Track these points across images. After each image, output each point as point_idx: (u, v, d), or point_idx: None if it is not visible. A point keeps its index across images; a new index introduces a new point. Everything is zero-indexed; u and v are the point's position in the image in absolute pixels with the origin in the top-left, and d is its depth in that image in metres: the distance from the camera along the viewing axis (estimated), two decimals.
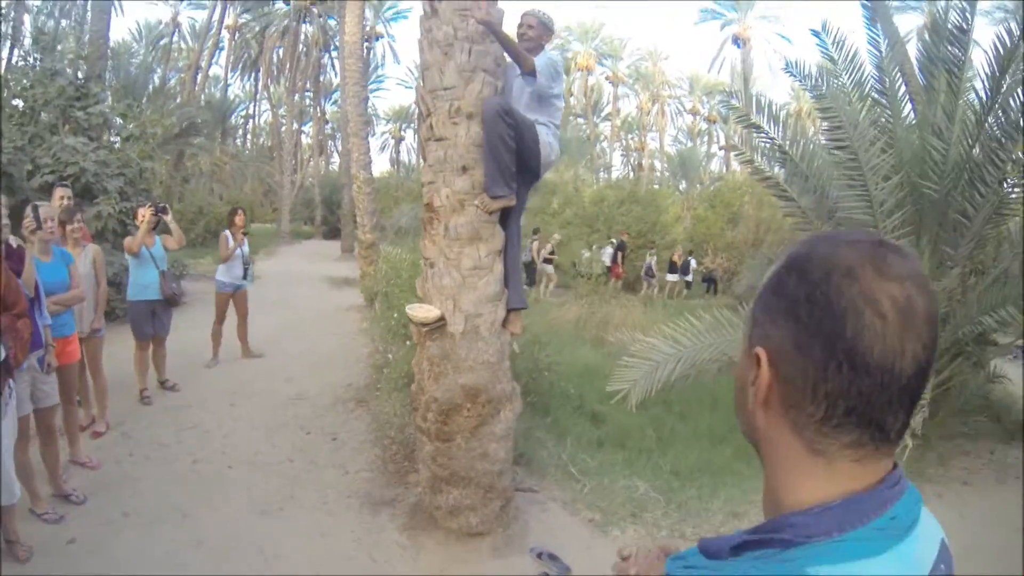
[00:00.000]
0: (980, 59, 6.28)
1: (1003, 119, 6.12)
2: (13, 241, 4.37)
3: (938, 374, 6.62)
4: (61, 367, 4.92)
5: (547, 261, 18.88)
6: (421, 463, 4.62)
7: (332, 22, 34.14)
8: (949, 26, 6.42)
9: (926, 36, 6.97)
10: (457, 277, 4.25)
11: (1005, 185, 6.43)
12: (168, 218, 7.22)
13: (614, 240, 21.17)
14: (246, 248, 8.99)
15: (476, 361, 4.23)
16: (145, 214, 6.94)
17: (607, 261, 20.22)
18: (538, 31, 4.46)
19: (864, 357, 0.70)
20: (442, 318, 4.23)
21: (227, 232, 8.74)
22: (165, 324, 7.27)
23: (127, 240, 7.10)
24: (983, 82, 6.18)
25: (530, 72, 4.21)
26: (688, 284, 21.40)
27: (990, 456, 6.63)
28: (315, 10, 35.65)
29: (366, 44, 38.61)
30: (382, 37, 44.76)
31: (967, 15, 6.22)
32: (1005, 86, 6.04)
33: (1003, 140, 6.11)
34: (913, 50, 7.45)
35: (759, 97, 7.68)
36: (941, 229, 6.64)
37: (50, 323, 4.63)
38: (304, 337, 9.57)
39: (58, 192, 6.37)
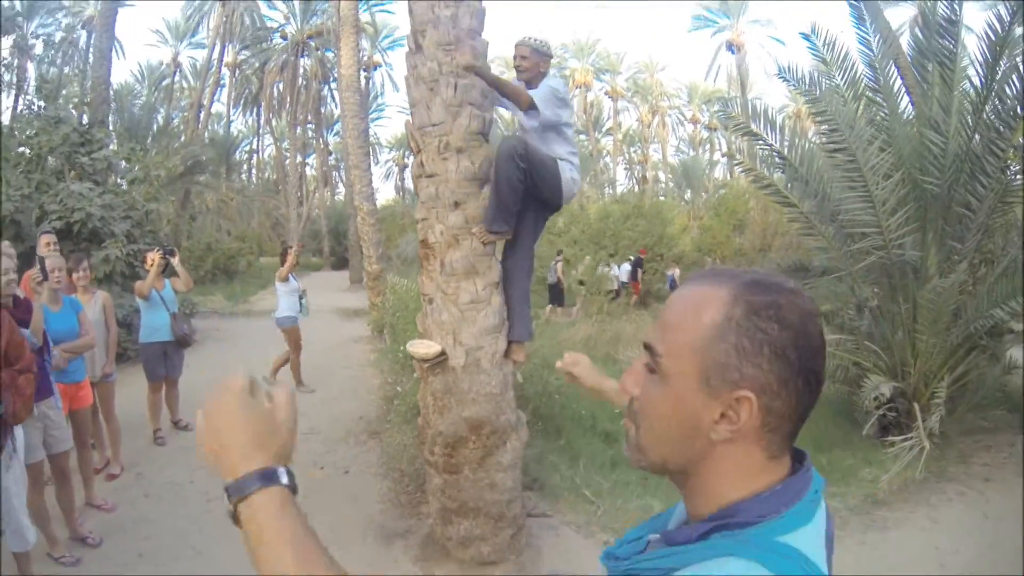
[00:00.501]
0: (973, 46, 6.27)
1: (1000, 107, 6.09)
2: (20, 292, 4.42)
3: (953, 370, 6.56)
4: (74, 411, 5.03)
5: (580, 283, 19.29)
6: (431, 495, 4.60)
7: (330, 54, 34.48)
8: (938, 19, 6.41)
9: (916, 30, 6.94)
10: (455, 312, 4.26)
11: (1008, 173, 6.38)
12: (176, 261, 7.31)
13: (631, 256, 21.37)
14: (300, 283, 9.39)
15: (479, 393, 4.22)
16: (154, 258, 7.06)
17: (624, 278, 20.42)
18: (533, 60, 4.26)
19: (820, 382, 0.86)
20: (443, 353, 4.23)
21: (288, 269, 9.15)
22: (177, 365, 7.35)
23: (138, 284, 7.17)
24: (977, 70, 6.16)
25: (530, 107, 4.05)
26: None
27: (1011, 449, 6.51)
28: (312, 43, 36.09)
29: (364, 74, 39.06)
30: (380, 66, 45.12)
31: (955, 6, 6.21)
32: (1000, 72, 6.03)
33: (1001, 129, 6.08)
34: (906, 43, 7.44)
35: (755, 105, 7.69)
36: (946, 223, 6.61)
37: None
38: (315, 370, 9.57)
39: (43, 239, 6.37)
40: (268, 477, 0.90)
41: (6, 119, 14.30)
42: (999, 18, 5.83)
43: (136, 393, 7.52)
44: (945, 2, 6.26)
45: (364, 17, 34.96)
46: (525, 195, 4.12)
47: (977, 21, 6.62)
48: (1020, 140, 6.23)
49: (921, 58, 6.75)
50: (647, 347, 0.91)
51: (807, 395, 0.85)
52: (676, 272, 21.30)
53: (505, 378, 4.39)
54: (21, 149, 11.32)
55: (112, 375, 6.15)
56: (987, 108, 6.12)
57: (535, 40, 4.31)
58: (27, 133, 11.59)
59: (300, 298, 9.25)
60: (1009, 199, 6.41)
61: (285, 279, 9.15)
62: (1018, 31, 5.90)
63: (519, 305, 4.48)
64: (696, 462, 0.89)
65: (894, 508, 5.51)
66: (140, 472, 6.26)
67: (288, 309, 9.16)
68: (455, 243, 4.26)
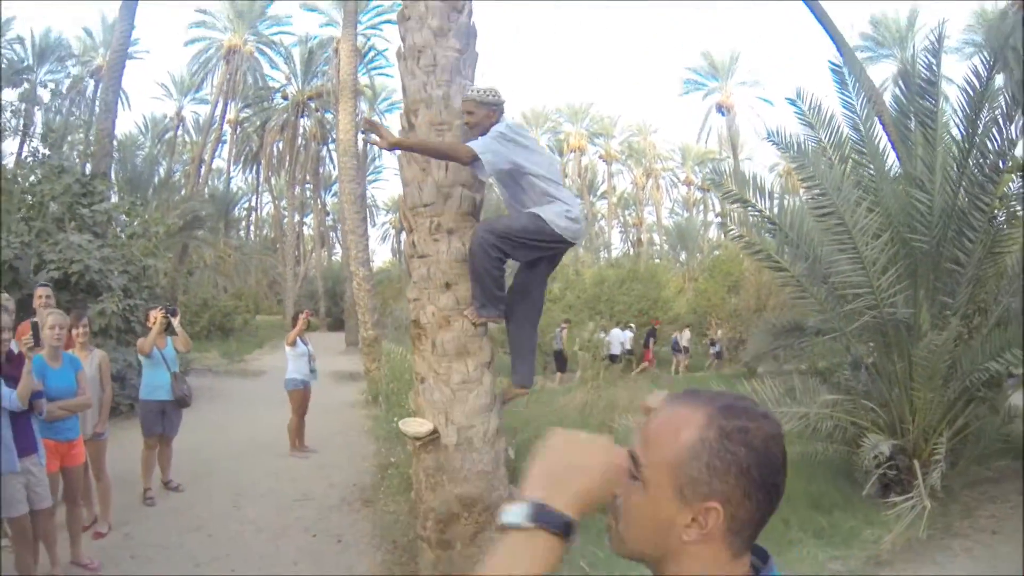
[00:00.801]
0: (954, 97, 6.42)
1: (982, 161, 6.23)
2: (15, 346, 4.43)
3: (952, 424, 6.55)
4: (66, 469, 5.04)
5: (580, 350, 18.90)
6: (424, 569, 4.54)
7: (329, 116, 35.10)
8: (918, 79, 6.59)
9: (898, 89, 7.13)
10: (447, 392, 4.28)
11: (995, 223, 6.49)
12: (176, 321, 7.35)
13: (632, 325, 21.58)
14: (311, 347, 9.45)
15: (471, 471, 4.22)
16: (156, 316, 7.11)
17: (628, 345, 20.46)
18: (480, 113, 4.06)
19: (779, 495, 1.00)
20: (435, 431, 4.24)
21: (296, 335, 9.25)
22: (174, 424, 7.34)
23: (140, 341, 7.25)
24: (958, 125, 6.32)
25: (471, 162, 3.87)
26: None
27: (1017, 498, 6.42)
28: (312, 104, 36.79)
29: (362, 135, 39.58)
30: None
31: (934, 68, 6.41)
32: (981, 126, 6.18)
33: (985, 184, 6.21)
34: (890, 99, 7.62)
35: (744, 172, 7.84)
36: (936, 279, 6.68)
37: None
38: (310, 435, 9.49)
39: (39, 292, 6.37)
40: (564, 527, 1.01)
41: (10, 164, 14.39)
42: (976, 73, 6.01)
43: (127, 450, 7.43)
44: (923, 64, 6.44)
45: (363, 80, 35.73)
46: (532, 253, 4.13)
47: (957, 72, 6.82)
48: (1007, 189, 6.34)
49: (903, 118, 6.93)
50: (631, 456, 1.04)
51: (767, 504, 0.99)
52: (685, 335, 21.43)
53: (497, 455, 4.39)
54: (24, 196, 11.41)
55: (104, 434, 6.10)
56: (970, 162, 6.26)
57: (478, 91, 4.12)
58: (30, 180, 11.73)
59: (310, 362, 9.34)
60: (997, 249, 6.52)
61: (292, 344, 9.24)
62: (997, 83, 6.05)
63: (528, 354, 4.49)
64: (669, 557, 1.02)
65: (899, 568, 5.42)
66: (128, 532, 6.12)
67: (294, 372, 9.23)
68: (446, 324, 4.29)
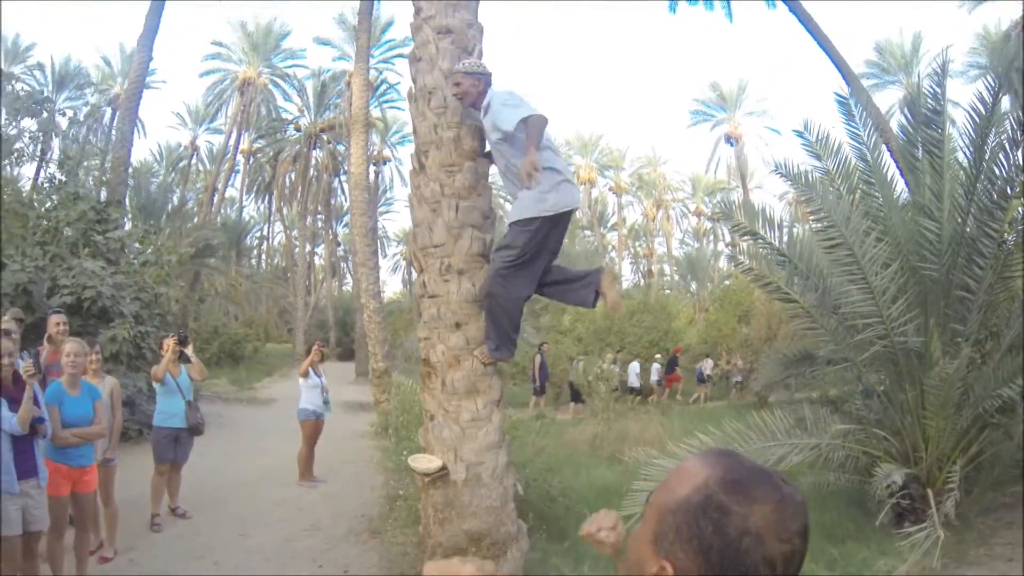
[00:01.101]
0: (962, 120, 6.41)
1: (990, 188, 6.23)
2: (22, 369, 4.50)
3: (966, 451, 6.48)
4: (78, 495, 5.13)
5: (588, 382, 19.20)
6: None
7: (341, 147, 35.45)
8: (923, 109, 6.63)
9: (903, 118, 7.15)
10: (456, 430, 4.33)
11: (1004, 248, 6.44)
12: (189, 350, 7.46)
13: (659, 356, 21.99)
14: (324, 379, 9.51)
15: (479, 507, 4.26)
16: (169, 344, 7.24)
17: (655, 376, 20.94)
18: (467, 83, 4.24)
19: None
20: (444, 468, 4.28)
21: (308, 366, 9.32)
22: (186, 452, 7.41)
23: (154, 368, 7.36)
24: (965, 151, 6.32)
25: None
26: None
27: None
28: (324, 136, 37.19)
29: (374, 168, 40.06)
30: (390, 161, 46.31)
31: (938, 96, 6.45)
32: (988, 151, 6.19)
33: (993, 210, 6.20)
34: (896, 125, 7.63)
35: (753, 204, 7.85)
36: (947, 307, 6.65)
37: None
38: (319, 465, 9.46)
39: (53, 319, 6.50)
40: None
41: (27, 189, 14.60)
42: (981, 99, 6.04)
43: (136, 475, 7.43)
44: (929, 93, 6.48)
45: (375, 112, 36.13)
46: (543, 257, 4.22)
47: (963, 95, 6.86)
48: (1016, 214, 6.32)
49: (910, 146, 6.94)
50: (650, 493, 1.06)
51: None
52: (708, 364, 21.45)
53: (506, 491, 4.43)
54: (39, 220, 11.56)
55: (114, 460, 6.17)
56: (978, 188, 6.26)
57: (465, 63, 4.30)
58: (46, 205, 11.89)
59: (323, 394, 9.39)
60: (1007, 274, 6.48)
61: (304, 375, 9.30)
62: (1003, 106, 6.06)
63: (513, 332, 4.43)
64: None
65: None
66: (133, 558, 6.10)
67: (307, 403, 9.28)
68: (456, 363, 4.36)
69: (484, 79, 4.26)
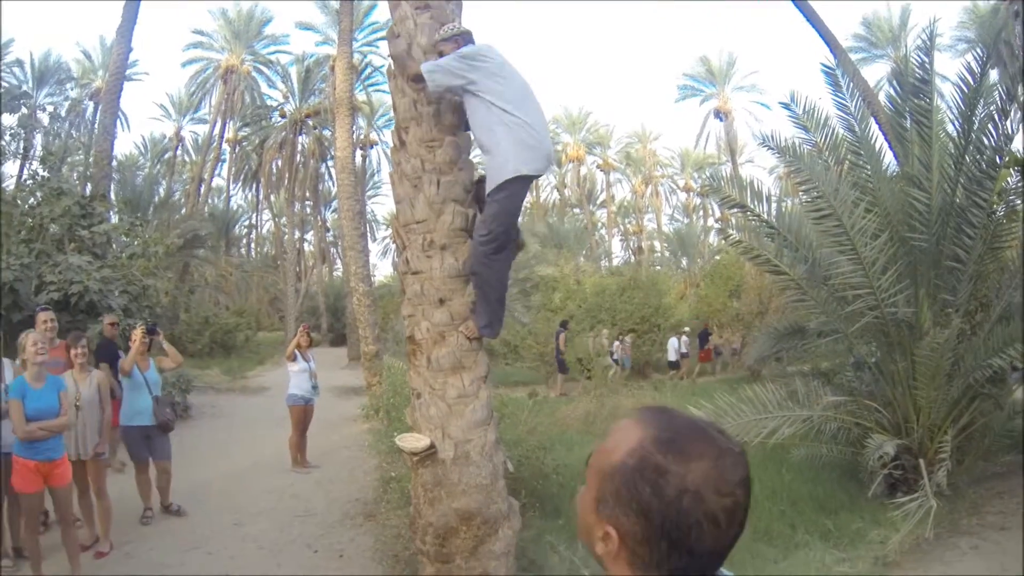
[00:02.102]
0: (950, 93, 6.41)
1: (979, 158, 6.24)
2: None
3: (957, 421, 6.52)
4: (53, 489, 5.08)
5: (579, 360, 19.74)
6: None
7: (327, 133, 35.18)
8: (911, 78, 6.59)
9: (891, 90, 7.11)
10: (443, 407, 4.28)
11: (994, 218, 6.46)
12: (161, 338, 7.19)
13: (687, 328, 22.48)
14: (313, 364, 9.35)
15: (469, 485, 4.21)
16: (137, 335, 6.85)
17: (684, 350, 21.31)
18: (447, 50, 4.18)
19: (699, 551, 0.93)
20: (432, 446, 4.24)
21: (294, 349, 9.21)
22: (164, 449, 7.05)
23: (120, 362, 7.00)
24: (954, 123, 6.32)
25: (416, 79, 4.11)
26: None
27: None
28: (310, 122, 36.90)
29: (361, 152, 39.85)
30: (377, 144, 46.00)
31: (927, 66, 6.41)
32: (976, 122, 6.19)
33: (982, 180, 6.20)
34: (884, 97, 7.61)
35: (741, 178, 7.82)
36: (937, 277, 6.66)
37: None
38: (312, 451, 9.44)
39: (41, 316, 6.43)
40: None
41: (10, 187, 14.48)
42: (970, 69, 6.02)
43: (130, 469, 7.40)
44: (916, 62, 6.44)
45: (360, 96, 35.85)
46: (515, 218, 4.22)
47: (951, 69, 6.83)
48: (1005, 184, 6.31)
49: (898, 117, 6.92)
50: (591, 453, 1.05)
51: (676, 559, 0.93)
52: (683, 340, 21.55)
53: (495, 468, 4.38)
54: (23, 218, 11.43)
55: (104, 454, 6.10)
56: (967, 159, 6.27)
57: (443, 30, 4.28)
58: (30, 202, 11.78)
59: (311, 378, 9.25)
60: (997, 244, 6.51)
61: (291, 358, 9.20)
62: (991, 78, 6.03)
63: (500, 309, 4.42)
64: (602, 562, 1.01)
65: (907, 569, 5.38)
66: (129, 551, 6.08)
67: (295, 388, 9.16)
68: (441, 339, 4.31)
69: (463, 38, 4.22)
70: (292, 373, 9.24)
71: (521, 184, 4.12)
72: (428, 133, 4.39)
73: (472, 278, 4.28)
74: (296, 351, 9.23)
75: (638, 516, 0.93)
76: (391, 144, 4.67)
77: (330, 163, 37.47)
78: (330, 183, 40.31)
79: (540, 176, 4.39)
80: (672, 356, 21.15)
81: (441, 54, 4.22)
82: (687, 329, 22.55)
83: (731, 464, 0.95)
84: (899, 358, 6.81)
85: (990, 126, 6.10)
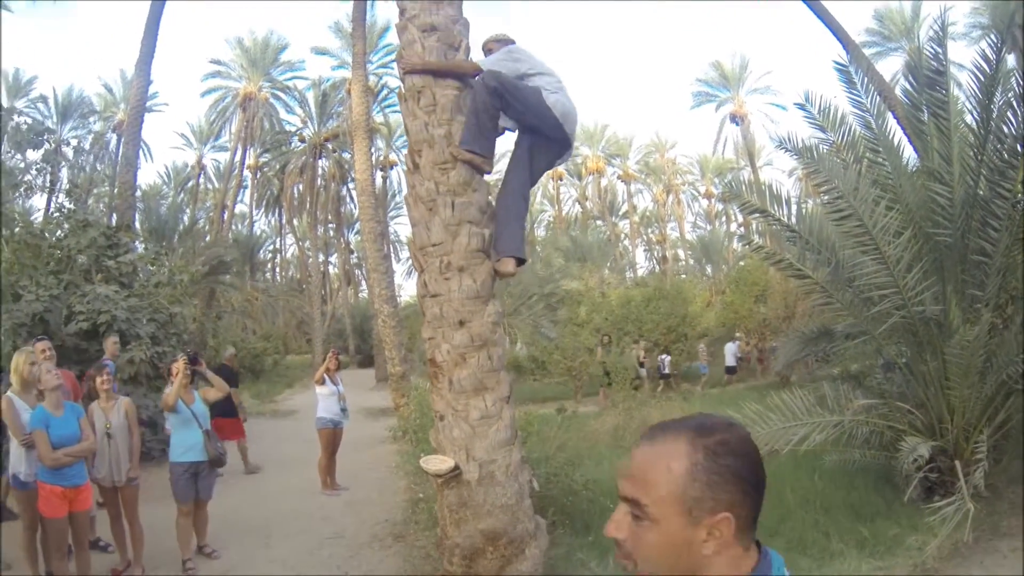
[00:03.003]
0: (967, 82, 6.29)
1: (1000, 147, 6.11)
2: None
3: (992, 420, 6.36)
4: (73, 514, 5.18)
5: (640, 365, 20.60)
6: None
7: (347, 155, 35.45)
8: (925, 70, 6.48)
9: (906, 83, 6.99)
10: (467, 428, 4.30)
11: (1019, 208, 6.31)
12: (203, 368, 6.87)
13: (740, 335, 22.90)
14: (341, 387, 9.44)
15: (494, 505, 4.22)
16: (179, 367, 6.43)
17: (739, 354, 21.91)
18: (495, 50, 4.67)
19: (764, 482, 1.13)
20: (456, 468, 4.25)
21: (323, 373, 9.33)
22: (209, 486, 6.69)
23: (164, 396, 6.58)
24: (972, 112, 6.19)
25: (476, 72, 4.42)
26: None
27: None
28: (329, 146, 37.24)
29: (381, 173, 40.13)
30: (397, 165, 46.27)
31: (940, 56, 6.30)
32: (996, 110, 6.06)
33: (1005, 170, 6.07)
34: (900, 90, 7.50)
35: (761, 183, 7.75)
36: (964, 272, 6.51)
37: None
38: (341, 472, 9.45)
39: (39, 346, 6.44)
40: None
41: (38, 220, 14.79)
42: (985, 57, 5.89)
43: (161, 494, 7.36)
44: (931, 54, 6.34)
45: (378, 118, 36.12)
46: (522, 116, 4.40)
47: (967, 57, 6.71)
48: None
49: (915, 110, 6.82)
50: (630, 501, 1.13)
51: (760, 496, 1.12)
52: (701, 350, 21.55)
53: (521, 488, 4.39)
54: (51, 250, 11.66)
55: (136, 479, 6.15)
56: (987, 149, 6.13)
57: (494, 34, 4.85)
58: (57, 235, 11.99)
59: (340, 402, 9.32)
60: None
61: (320, 382, 9.28)
62: (1009, 63, 5.91)
63: (512, 221, 4.50)
64: (695, 570, 1.10)
65: (946, 574, 5.22)
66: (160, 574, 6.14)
67: (324, 411, 9.24)
68: (462, 361, 4.33)
69: (504, 43, 4.71)
70: (321, 397, 9.29)
71: (550, 124, 4.39)
72: (441, 155, 4.42)
73: (470, 98, 4.41)
74: (325, 375, 9.30)
75: (736, 483, 1.08)
76: (406, 167, 4.70)
77: (351, 186, 37.78)
78: (352, 205, 40.66)
79: (569, 134, 4.58)
80: (730, 361, 21.67)
81: (489, 51, 4.66)
82: (739, 335, 22.86)
83: (738, 424, 1.15)
84: (929, 357, 6.67)
85: (1009, 114, 5.97)
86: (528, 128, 4.47)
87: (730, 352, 21.72)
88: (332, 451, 9.24)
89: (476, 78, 4.35)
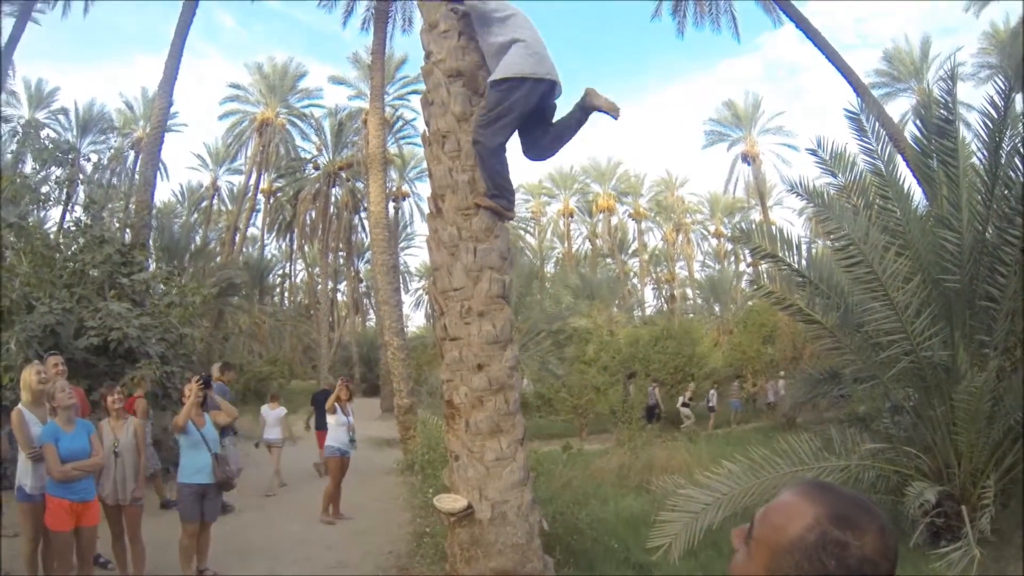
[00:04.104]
0: (976, 121, 6.33)
1: (1008, 193, 6.17)
2: None
3: (999, 464, 6.34)
4: (81, 529, 5.26)
5: (685, 405, 21.50)
6: None
7: (360, 185, 35.77)
8: (935, 120, 6.57)
9: (916, 130, 7.07)
10: (481, 469, 4.34)
11: None
12: (212, 393, 6.96)
13: (783, 374, 22.66)
14: (351, 418, 9.56)
15: (505, 545, 4.25)
16: (192, 388, 6.55)
17: (782, 392, 21.35)
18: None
19: None
20: (469, 507, 4.29)
21: (335, 403, 9.43)
22: (215, 508, 6.76)
23: (175, 418, 6.67)
24: (979, 158, 6.26)
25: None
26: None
27: None
28: (343, 175, 37.59)
29: (393, 204, 40.45)
30: (409, 197, 46.66)
31: (950, 105, 6.40)
32: (1004, 156, 6.13)
33: (1012, 216, 6.14)
34: (909, 134, 7.57)
35: (771, 227, 7.81)
36: (971, 317, 6.55)
37: None
38: (346, 502, 9.46)
39: (51, 360, 6.53)
40: None
41: (52, 231, 14.98)
42: (992, 103, 5.98)
43: (156, 510, 7.37)
44: (940, 102, 6.44)
45: (392, 149, 36.49)
46: (516, 119, 4.37)
47: (975, 97, 6.79)
48: None
49: (924, 157, 6.89)
50: (751, 522, 1.14)
51: None
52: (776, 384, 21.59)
53: (531, 528, 4.41)
54: (66, 263, 11.77)
55: (141, 500, 6.22)
56: (996, 194, 6.20)
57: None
58: (72, 249, 12.13)
59: (349, 432, 9.43)
60: None
61: (331, 411, 9.38)
62: (1017, 106, 5.99)
63: (506, 183, 4.56)
64: None
65: None
66: None
67: (333, 441, 9.35)
68: (479, 404, 4.38)
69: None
70: (330, 426, 9.40)
71: (528, 88, 4.31)
72: (464, 201, 4.49)
73: (479, 162, 4.43)
74: (336, 404, 9.40)
75: None
76: (428, 210, 4.76)
77: (363, 214, 38.04)
78: (363, 235, 40.91)
79: (545, 80, 4.45)
80: (770, 397, 21.99)
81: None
82: (782, 374, 22.64)
83: (891, 533, 1.08)
84: (937, 402, 6.67)
85: (1017, 159, 6.05)
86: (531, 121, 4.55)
87: (771, 391, 21.94)
88: (339, 480, 9.28)
89: (474, 147, 4.43)
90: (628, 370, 21.71)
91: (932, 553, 5.91)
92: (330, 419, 9.40)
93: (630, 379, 20.73)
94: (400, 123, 38.30)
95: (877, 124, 7.30)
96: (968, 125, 6.85)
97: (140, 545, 6.17)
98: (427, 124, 4.79)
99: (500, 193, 4.45)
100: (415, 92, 36.28)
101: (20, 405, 5.53)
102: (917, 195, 7.27)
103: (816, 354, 16.07)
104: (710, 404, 21.72)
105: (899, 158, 7.38)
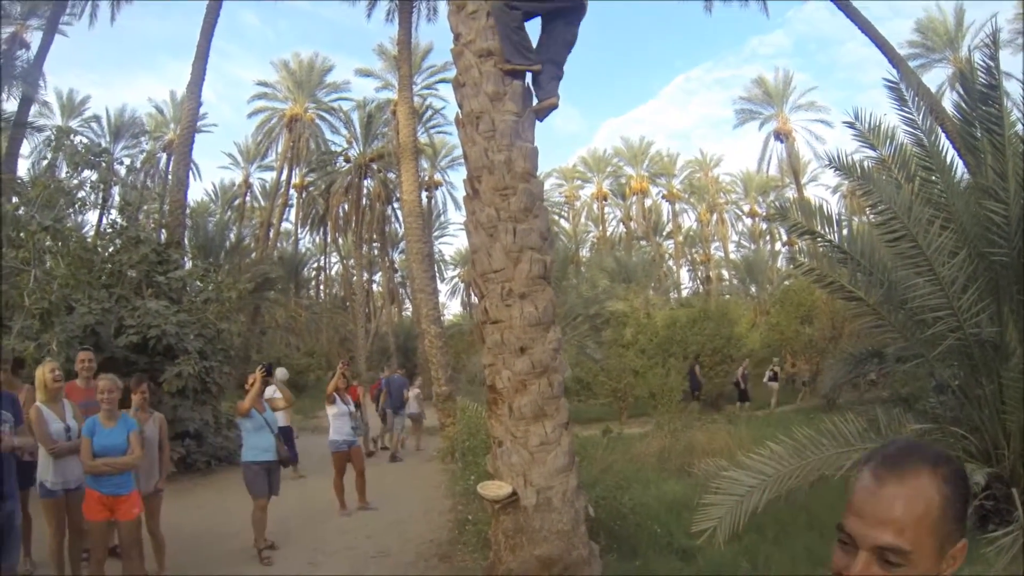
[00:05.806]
0: (1016, 91, 6.10)
1: None
2: None
3: None
4: (120, 523, 5.37)
5: (773, 379, 21.62)
6: None
7: (392, 176, 35.89)
8: (977, 86, 6.30)
9: (958, 98, 6.81)
10: (525, 454, 4.29)
11: None
12: (276, 380, 7.52)
13: (781, 357, 23.33)
14: (351, 406, 9.24)
15: (550, 531, 4.20)
16: (256, 377, 7.23)
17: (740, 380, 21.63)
18: None
19: None
20: (514, 494, 4.25)
21: (332, 391, 9.05)
22: (278, 482, 7.43)
23: (240, 404, 7.34)
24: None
25: None
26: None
27: None
28: (375, 166, 37.76)
29: (426, 193, 40.52)
30: (441, 186, 46.76)
31: (992, 71, 6.12)
32: None
33: None
34: (949, 103, 7.33)
35: (809, 202, 7.61)
36: (1020, 292, 6.26)
37: None
38: (386, 491, 9.49)
39: (81, 355, 6.70)
40: None
41: (90, 234, 15.32)
42: None
43: (203, 502, 7.48)
44: (981, 67, 6.19)
45: (423, 139, 36.54)
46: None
47: (1013, 65, 6.53)
48: None
49: (967, 126, 6.61)
50: (891, 549, 1.08)
51: None
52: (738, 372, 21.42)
53: (576, 514, 4.36)
54: (104, 264, 12.06)
55: (162, 491, 6.42)
56: None
57: None
58: (109, 250, 12.41)
59: (351, 420, 9.06)
60: None
61: (331, 401, 9.00)
62: None
63: (526, 49, 4.52)
64: None
65: None
66: None
67: (335, 434, 8.99)
68: (523, 388, 4.32)
69: None
70: (331, 417, 9.00)
71: None
72: (501, 181, 4.41)
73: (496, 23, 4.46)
74: (335, 394, 8.98)
75: (968, 502, 1.15)
76: (461, 187, 4.71)
77: (396, 205, 38.18)
78: (396, 225, 41.12)
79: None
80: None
81: None
82: (775, 359, 22.74)
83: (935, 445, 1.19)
84: (985, 381, 6.45)
85: None
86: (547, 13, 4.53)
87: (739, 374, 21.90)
88: (342, 473, 9.00)
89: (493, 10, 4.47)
90: (693, 354, 22.08)
91: (981, 538, 5.73)
92: (330, 410, 8.98)
93: (696, 361, 21.15)
94: (429, 112, 38.31)
95: (916, 96, 7.05)
96: (1008, 95, 6.57)
97: (160, 535, 6.33)
98: (459, 106, 4.73)
99: (515, 53, 4.43)
100: (443, 81, 36.34)
101: (37, 402, 5.59)
102: (959, 167, 7.02)
103: (856, 333, 15.78)
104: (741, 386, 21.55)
105: (939, 130, 7.12)
